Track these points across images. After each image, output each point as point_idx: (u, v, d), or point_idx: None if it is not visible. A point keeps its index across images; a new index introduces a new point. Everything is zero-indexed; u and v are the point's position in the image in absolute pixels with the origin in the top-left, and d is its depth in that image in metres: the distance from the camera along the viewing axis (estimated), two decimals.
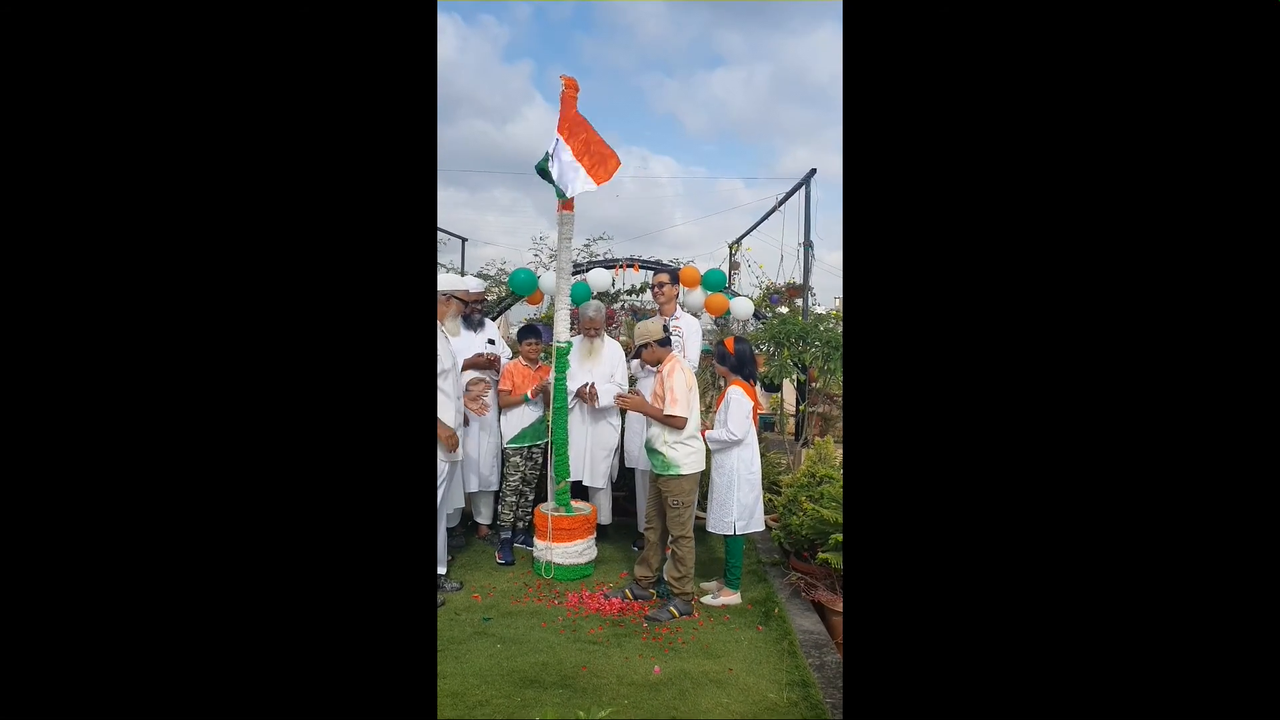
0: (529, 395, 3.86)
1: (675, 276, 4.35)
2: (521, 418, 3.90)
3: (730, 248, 6.96)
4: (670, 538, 3.17)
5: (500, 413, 3.93)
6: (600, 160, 3.41)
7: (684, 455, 3.14)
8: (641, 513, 4.13)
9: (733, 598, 3.28)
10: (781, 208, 5.43)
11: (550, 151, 3.45)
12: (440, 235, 6.91)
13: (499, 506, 3.93)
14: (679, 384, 3.13)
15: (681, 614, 3.09)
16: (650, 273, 4.88)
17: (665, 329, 3.42)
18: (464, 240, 7.45)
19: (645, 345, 3.30)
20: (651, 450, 3.21)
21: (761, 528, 3.43)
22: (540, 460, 4.00)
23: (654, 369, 3.30)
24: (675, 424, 3.13)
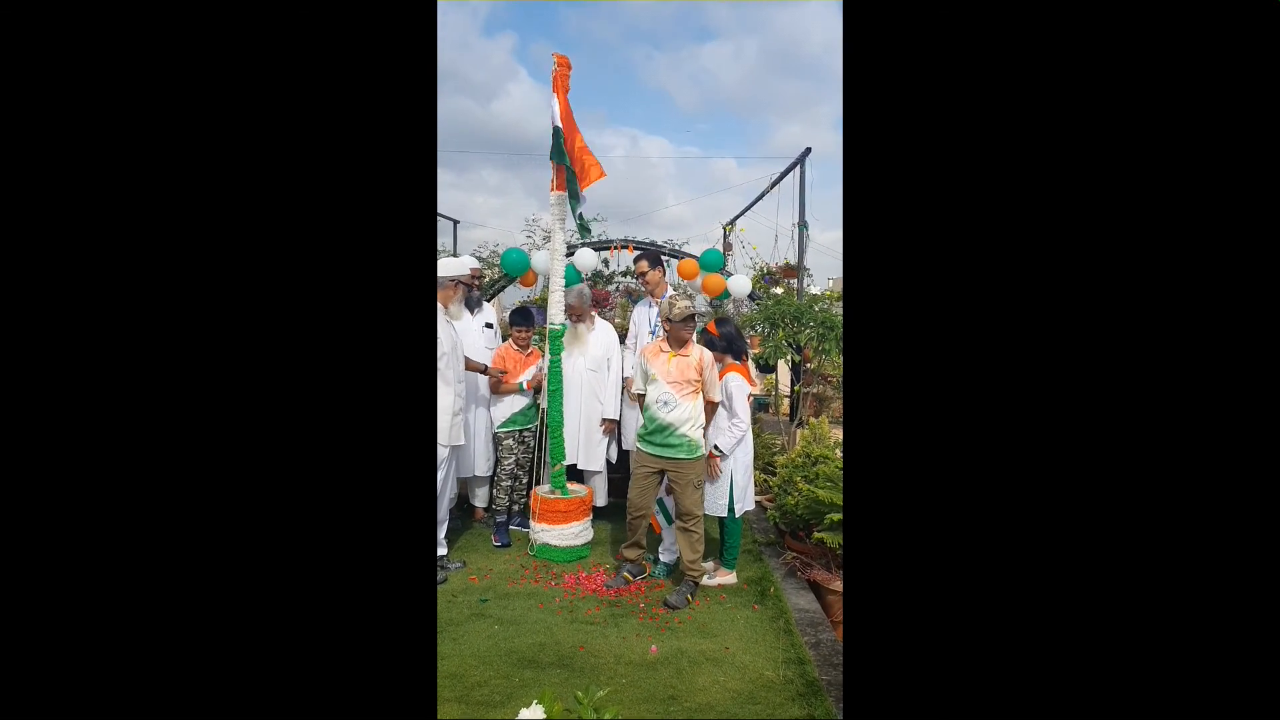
0: (523, 385, 3.84)
1: (656, 259, 4.18)
2: (512, 403, 3.87)
3: (724, 229, 6.93)
4: (689, 519, 3.13)
5: (491, 398, 3.91)
6: (584, 169, 3.50)
7: (701, 436, 3.15)
8: None
9: (729, 577, 3.30)
10: (775, 187, 5.40)
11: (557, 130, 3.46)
12: None
13: (494, 490, 3.93)
14: (716, 373, 3.18)
15: (692, 597, 3.10)
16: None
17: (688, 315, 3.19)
18: (455, 223, 7.38)
19: (684, 320, 3.07)
20: (675, 437, 3.08)
21: (752, 506, 3.45)
22: (533, 444, 3.99)
23: (670, 349, 3.15)
24: (714, 411, 3.21)
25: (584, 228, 3.73)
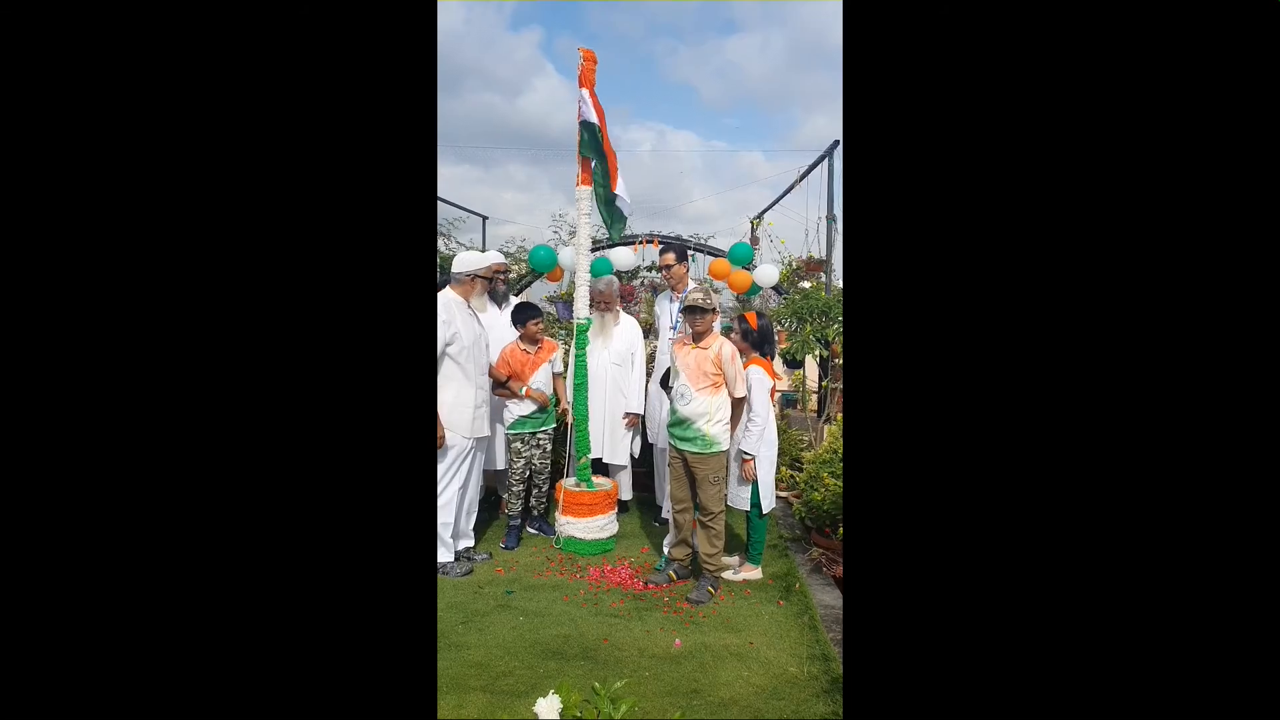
0: (522, 394, 3.72)
1: (682, 253, 4.11)
2: (521, 405, 3.77)
3: (751, 223, 6.87)
4: (706, 515, 3.12)
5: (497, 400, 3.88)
6: (612, 168, 3.61)
7: (721, 432, 3.09)
8: (660, 491, 4.13)
9: (754, 573, 3.29)
10: (804, 181, 5.34)
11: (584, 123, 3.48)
12: (460, 213, 6.91)
13: (506, 495, 3.88)
14: (740, 367, 3.10)
15: (714, 590, 3.10)
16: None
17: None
18: (485, 218, 7.43)
19: (704, 311, 3.06)
20: (691, 431, 3.09)
21: (774, 503, 3.42)
22: (548, 446, 3.91)
23: (693, 343, 3.13)
24: (741, 407, 3.14)
25: (616, 225, 3.71)
